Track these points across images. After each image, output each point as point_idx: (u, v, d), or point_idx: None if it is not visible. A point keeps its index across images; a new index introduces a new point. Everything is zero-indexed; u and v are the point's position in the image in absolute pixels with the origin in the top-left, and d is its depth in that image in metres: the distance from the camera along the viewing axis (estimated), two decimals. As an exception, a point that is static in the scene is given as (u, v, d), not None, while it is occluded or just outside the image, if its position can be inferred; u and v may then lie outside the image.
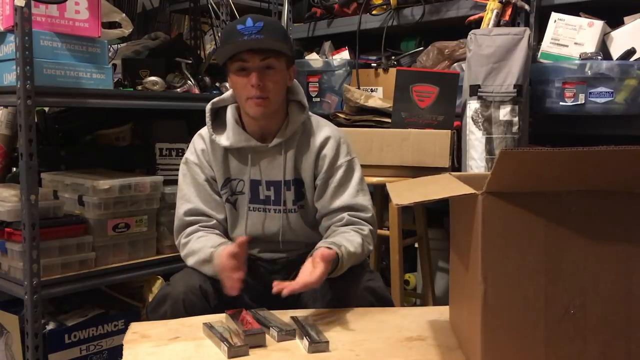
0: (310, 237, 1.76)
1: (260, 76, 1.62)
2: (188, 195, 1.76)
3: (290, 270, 1.71)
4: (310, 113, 1.80)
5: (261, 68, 1.63)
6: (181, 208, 1.76)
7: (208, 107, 1.77)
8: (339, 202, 1.72)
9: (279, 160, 1.73)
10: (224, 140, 1.73)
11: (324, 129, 1.77)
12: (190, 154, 1.79)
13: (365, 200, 1.74)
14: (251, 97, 1.64)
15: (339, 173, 1.73)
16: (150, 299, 2.43)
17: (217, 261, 1.55)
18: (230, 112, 1.75)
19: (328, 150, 1.74)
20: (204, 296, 1.60)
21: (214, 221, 1.75)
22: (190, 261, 1.68)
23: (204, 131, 1.79)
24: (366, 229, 1.69)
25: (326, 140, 1.74)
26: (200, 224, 1.73)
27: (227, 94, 1.79)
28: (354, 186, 1.73)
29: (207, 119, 1.75)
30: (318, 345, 1.31)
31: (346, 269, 1.59)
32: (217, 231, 1.75)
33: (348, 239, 1.62)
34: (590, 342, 1.12)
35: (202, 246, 1.66)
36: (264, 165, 1.74)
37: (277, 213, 1.76)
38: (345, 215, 1.71)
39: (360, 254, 1.64)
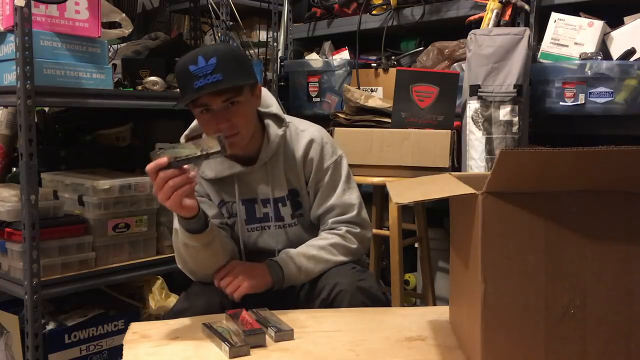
0: None
1: (226, 115, 1.56)
2: None
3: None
4: (288, 119, 1.76)
5: (225, 106, 1.56)
6: None
7: (182, 140, 1.72)
8: (326, 204, 1.73)
9: (268, 179, 1.72)
10: (209, 172, 1.72)
11: (305, 134, 1.74)
12: None
13: (352, 198, 1.74)
14: None
15: (327, 176, 1.73)
16: (150, 300, 2.43)
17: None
18: None
19: (313, 154, 1.72)
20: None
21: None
22: (174, 245, 1.65)
23: None
24: (343, 228, 1.70)
25: (310, 144, 1.72)
26: None
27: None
28: (340, 186, 1.74)
29: None
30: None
31: (312, 267, 1.64)
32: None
33: (309, 244, 1.69)
34: (590, 342, 1.11)
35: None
36: (256, 184, 1.73)
37: (277, 229, 1.75)
38: (328, 221, 1.73)
39: (330, 250, 1.66)
